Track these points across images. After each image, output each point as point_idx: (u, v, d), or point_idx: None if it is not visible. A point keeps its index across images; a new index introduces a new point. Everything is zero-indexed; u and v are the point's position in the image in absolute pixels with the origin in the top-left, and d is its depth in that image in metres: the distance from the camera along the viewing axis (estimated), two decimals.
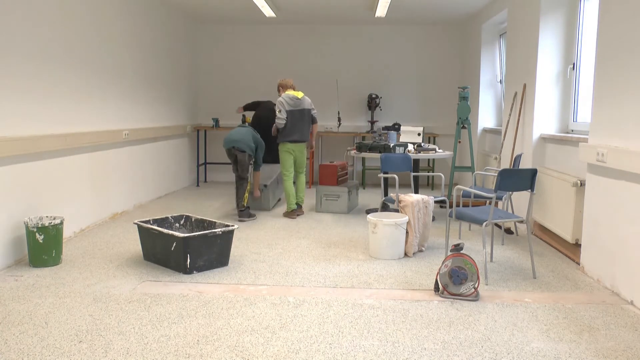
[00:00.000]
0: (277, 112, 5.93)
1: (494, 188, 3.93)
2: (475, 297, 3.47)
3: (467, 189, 4.19)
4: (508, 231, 5.33)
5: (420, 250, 4.66)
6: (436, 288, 3.57)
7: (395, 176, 5.02)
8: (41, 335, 2.87)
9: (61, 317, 3.12)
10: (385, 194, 6.13)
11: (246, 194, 5.96)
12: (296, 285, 3.74)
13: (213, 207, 6.67)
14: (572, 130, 5.20)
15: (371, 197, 7.71)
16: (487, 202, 5.57)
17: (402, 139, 6.80)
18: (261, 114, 6.93)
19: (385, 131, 7.54)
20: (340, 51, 8.91)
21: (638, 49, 3.40)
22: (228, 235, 4.13)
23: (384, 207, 5.28)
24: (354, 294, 3.56)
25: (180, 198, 7.30)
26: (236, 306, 3.32)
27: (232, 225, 4.18)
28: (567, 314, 3.26)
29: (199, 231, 4.37)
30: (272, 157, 7.37)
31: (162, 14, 7.28)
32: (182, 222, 4.62)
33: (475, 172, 5.68)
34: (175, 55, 7.84)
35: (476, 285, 3.47)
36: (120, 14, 5.99)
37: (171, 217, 4.58)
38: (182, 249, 3.89)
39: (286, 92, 6.02)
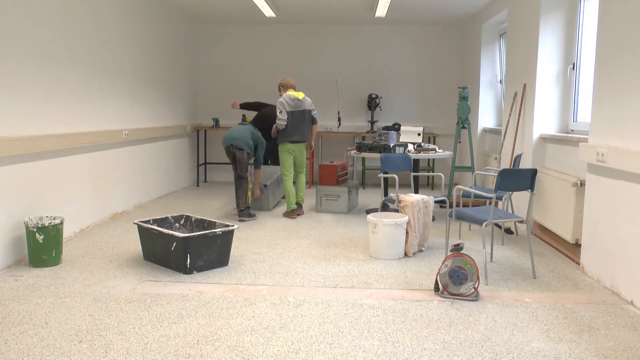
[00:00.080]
0: (277, 112, 5.93)
1: (494, 188, 3.93)
2: (475, 297, 3.47)
3: (467, 189, 4.19)
4: (508, 231, 5.33)
5: (420, 250, 4.66)
6: (436, 288, 3.57)
7: (395, 176, 5.02)
8: (41, 335, 2.87)
9: (61, 317, 3.12)
10: (385, 194, 6.13)
11: (249, 193, 5.93)
12: (296, 285, 3.74)
13: (213, 207, 6.67)
14: (572, 130, 5.20)
15: (371, 197, 7.71)
16: (487, 202, 5.57)
17: (402, 139, 6.80)
18: (263, 116, 6.94)
19: (385, 131, 7.54)
20: (340, 51, 8.91)
21: (638, 49, 3.40)
22: (228, 235, 4.13)
23: (384, 207, 5.28)
24: (354, 294, 3.56)
25: (180, 198, 7.30)
26: (236, 306, 3.32)
27: (232, 225, 4.18)
28: (567, 314, 3.26)
29: (199, 231, 4.37)
30: (272, 158, 7.38)
31: (162, 14, 7.28)
32: (182, 222, 4.62)
33: (475, 172, 5.68)
34: (175, 55, 7.84)
35: (476, 285, 3.47)
36: (120, 14, 5.99)
37: (171, 217, 4.58)
38: (182, 249, 3.89)
39: (287, 93, 6.02)
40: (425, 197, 4.65)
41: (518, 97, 5.83)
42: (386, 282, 3.81)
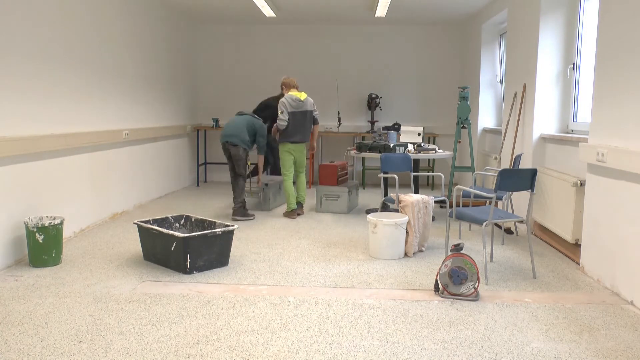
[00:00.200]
0: (279, 113, 5.92)
1: (494, 188, 3.93)
2: (475, 297, 3.47)
3: (467, 189, 4.19)
4: (508, 231, 5.33)
5: (420, 250, 4.66)
6: (436, 288, 3.57)
7: (395, 176, 5.02)
8: (41, 335, 2.87)
9: (61, 317, 3.12)
10: (385, 194, 6.13)
11: (250, 187, 5.82)
12: (296, 285, 3.74)
13: (213, 207, 6.67)
14: (572, 130, 5.20)
15: (371, 197, 7.71)
16: (487, 202, 5.57)
17: (402, 139, 6.80)
18: (264, 105, 6.98)
19: (385, 131, 7.54)
20: (340, 51, 8.91)
21: (638, 49, 3.40)
22: (228, 235, 4.13)
23: (384, 207, 5.27)
24: (354, 294, 3.56)
25: (180, 198, 7.30)
26: (236, 306, 3.32)
27: (232, 225, 4.18)
28: (567, 314, 3.26)
29: (199, 231, 4.37)
30: (271, 166, 7.31)
31: (162, 14, 7.28)
32: (182, 222, 4.62)
33: (475, 172, 5.68)
34: (175, 55, 7.84)
35: (476, 285, 3.47)
36: (120, 14, 5.99)
37: (171, 217, 4.58)
38: (182, 249, 3.89)
39: (289, 93, 6.02)
40: (425, 197, 4.66)
41: (518, 97, 5.83)
42: (386, 282, 3.81)
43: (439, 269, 3.54)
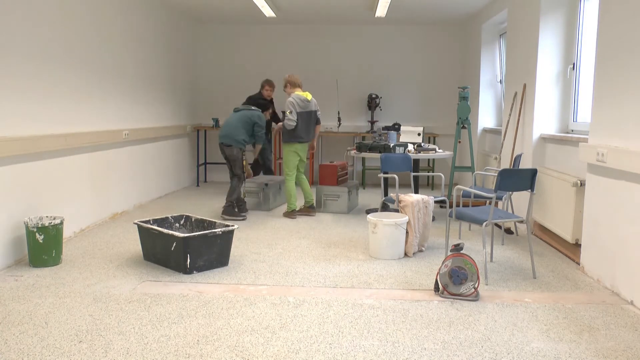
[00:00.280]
0: (287, 112, 5.90)
1: (494, 188, 3.93)
2: (475, 297, 3.47)
3: (467, 189, 4.19)
4: (508, 231, 5.33)
5: (420, 250, 4.66)
6: (436, 288, 3.57)
7: (395, 176, 5.02)
8: (41, 335, 2.87)
9: (61, 317, 3.12)
10: (385, 194, 6.13)
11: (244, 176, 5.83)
12: (296, 285, 3.74)
13: (213, 207, 6.67)
14: (572, 130, 5.20)
15: (371, 197, 7.71)
16: (487, 202, 5.57)
17: (402, 139, 6.80)
18: (251, 99, 7.11)
19: (385, 131, 7.54)
20: (340, 51, 8.91)
21: (638, 49, 3.40)
22: (228, 235, 4.13)
23: (384, 207, 5.27)
24: (354, 294, 3.56)
25: (180, 198, 7.30)
26: (236, 306, 3.32)
27: (232, 225, 4.18)
28: (567, 314, 3.26)
29: (199, 231, 4.37)
30: (261, 167, 7.33)
31: (162, 14, 7.28)
32: (182, 222, 4.62)
33: (475, 172, 5.68)
34: (175, 55, 7.84)
35: (476, 285, 3.47)
36: (120, 14, 5.99)
37: (171, 217, 4.58)
38: (182, 249, 3.89)
39: (295, 92, 6.01)
40: (425, 197, 4.66)
41: (518, 97, 5.83)
42: (386, 282, 3.81)
43: (439, 269, 3.54)
